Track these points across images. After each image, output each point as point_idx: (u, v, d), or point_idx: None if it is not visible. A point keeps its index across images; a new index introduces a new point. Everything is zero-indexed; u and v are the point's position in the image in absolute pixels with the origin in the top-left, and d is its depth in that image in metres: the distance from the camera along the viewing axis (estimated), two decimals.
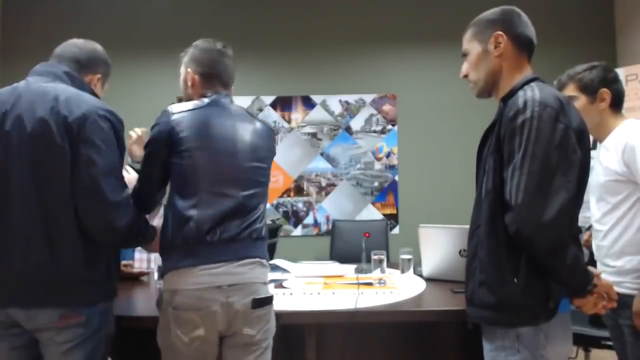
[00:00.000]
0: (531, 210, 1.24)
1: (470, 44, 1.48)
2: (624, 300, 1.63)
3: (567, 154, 1.28)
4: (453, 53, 4.24)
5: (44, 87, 1.44)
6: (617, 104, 1.79)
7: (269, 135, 1.67)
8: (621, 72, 3.30)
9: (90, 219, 1.41)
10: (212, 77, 1.62)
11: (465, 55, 1.51)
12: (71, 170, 1.38)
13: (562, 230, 1.27)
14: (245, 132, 1.57)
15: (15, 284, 1.37)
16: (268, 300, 1.52)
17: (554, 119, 1.28)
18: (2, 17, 4.17)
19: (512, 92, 1.38)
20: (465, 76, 1.52)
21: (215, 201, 1.47)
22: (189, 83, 1.65)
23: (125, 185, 1.48)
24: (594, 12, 4.17)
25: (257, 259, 1.51)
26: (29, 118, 1.38)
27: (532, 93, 1.31)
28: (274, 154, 1.69)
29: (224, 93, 1.62)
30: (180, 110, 1.51)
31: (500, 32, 1.42)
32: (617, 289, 1.51)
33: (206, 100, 1.57)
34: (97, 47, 1.61)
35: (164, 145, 1.48)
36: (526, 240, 1.27)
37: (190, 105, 1.54)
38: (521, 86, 1.38)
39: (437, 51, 4.20)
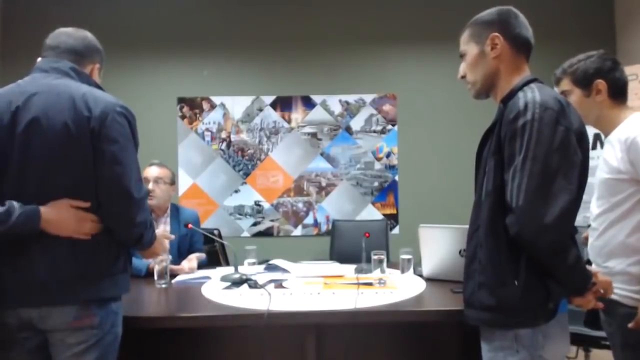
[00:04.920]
0: (532, 213, 1.24)
1: (467, 45, 1.48)
2: (611, 307, 1.61)
3: (567, 156, 1.28)
4: (453, 53, 4.20)
5: (54, 85, 1.41)
6: (617, 94, 1.66)
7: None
8: None
9: (114, 215, 1.42)
10: None
11: (462, 56, 1.51)
12: (94, 168, 1.38)
13: (564, 232, 1.28)
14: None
15: (34, 283, 1.35)
16: None
17: (554, 121, 1.27)
18: (2, 17, 4.17)
19: (512, 94, 1.38)
20: (463, 77, 1.52)
21: None
22: None
23: (142, 181, 1.49)
24: (594, 12, 4.17)
25: None
26: (46, 119, 1.36)
27: (533, 95, 1.31)
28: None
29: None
30: None
31: (497, 34, 1.42)
32: None
33: None
34: (88, 34, 1.58)
35: None
36: (527, 242, 1.27)
37: None
38: (520, 87, 1.38)
39: (437, 51, 4.19)
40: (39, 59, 1.51)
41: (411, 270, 2.20)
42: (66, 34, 1.53)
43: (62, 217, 1.37)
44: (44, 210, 1.36)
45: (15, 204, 1.34)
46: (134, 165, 1.43)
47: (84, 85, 1.45)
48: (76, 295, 1.38)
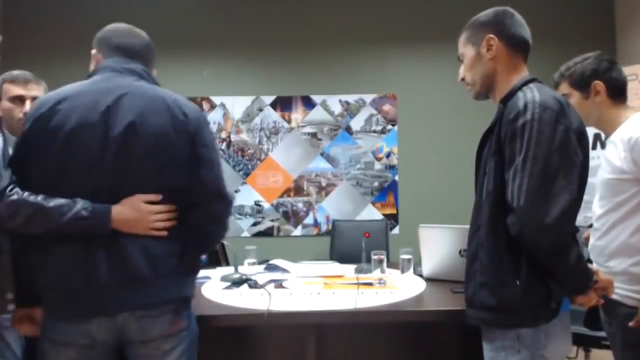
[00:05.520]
0: (533, 212, 1.24)
1: (465, 48, 1.50)
2: (612, 307, 1.61)
3: (568, 155, 1.29)
4: (453, 53, 4.19)
5: (142, 87, 1.38)
6: (616, 94, 1.66)
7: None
8: None
9: (210, 216, 1.44)
10: None
11: (460, 58, 1.52)
12: (190, 170, 1.38)
13: (564, 232, 1.28)
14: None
15: (125, 287, 1.32)
16: None
17: (554, 121, 1.28)
18: (2, 17, 4.17)
19: (511, 94, 1.39)
20: (463, 79, 1.53)
21: None
22: None
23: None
24: (594, 12, 4.18)
25: None
26: (143, 123, 1.32)
27: (532, 94, 1.31)
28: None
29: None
30: None
31: (492, 35, 1.43)
32: None
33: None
34: (146, 35, 1.53)
35: None
36: (528, 242, 1.27)
37: None
38: (520, 87, 1.38)
39: (437, 51, 4.20)
40: (102, 59, 1.45)
41: (411, 270, 2.20)
42: (131, 35, 1.49)
43: (135, 215, 1.31)
44: (115, 209, 1.31)
45: (81, 201, 1.28)
46: (221, 169, 1.46)
47: (167, 90, 1.43)
48: (179, 289, 1.39)
